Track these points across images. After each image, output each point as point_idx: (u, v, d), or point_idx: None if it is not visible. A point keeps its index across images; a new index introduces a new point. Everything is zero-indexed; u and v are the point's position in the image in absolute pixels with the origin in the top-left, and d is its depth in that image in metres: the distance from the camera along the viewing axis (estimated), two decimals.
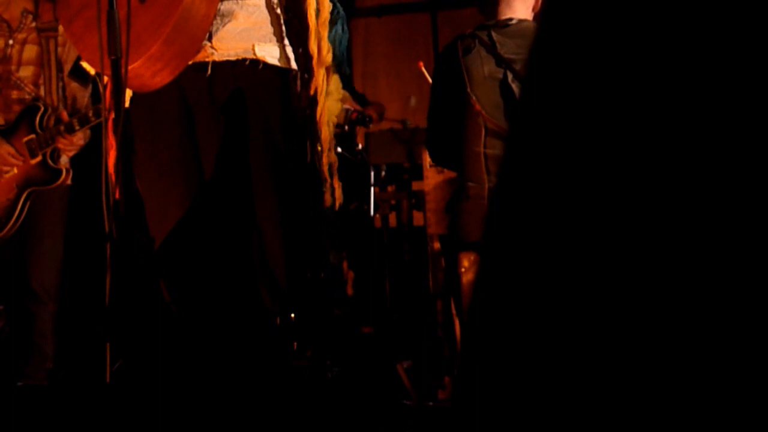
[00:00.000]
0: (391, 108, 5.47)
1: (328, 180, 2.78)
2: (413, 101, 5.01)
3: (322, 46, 2.72)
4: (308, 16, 2.73)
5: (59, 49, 3.71)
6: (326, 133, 2.77)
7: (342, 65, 2.80)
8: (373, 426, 3.42)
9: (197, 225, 2.81)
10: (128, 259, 2.32)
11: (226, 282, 2.82)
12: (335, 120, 2.84)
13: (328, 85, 2.77)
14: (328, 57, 2.73)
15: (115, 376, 2.29)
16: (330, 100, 2.78)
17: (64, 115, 3.58)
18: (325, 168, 2.77)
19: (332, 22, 2.76)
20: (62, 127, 3.55)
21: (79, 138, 3.60)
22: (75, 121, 3.54)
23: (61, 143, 3.58)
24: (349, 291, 2.84)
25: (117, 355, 2.26)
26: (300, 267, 2.89)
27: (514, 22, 3.28)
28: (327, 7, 2.74)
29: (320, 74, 2.75)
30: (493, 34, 3.26)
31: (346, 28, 2.93)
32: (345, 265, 2.83)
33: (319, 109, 2.76)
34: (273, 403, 2.79)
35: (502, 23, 3.29)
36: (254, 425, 2.73)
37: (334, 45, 2.76)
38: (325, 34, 2.71)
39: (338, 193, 2.82)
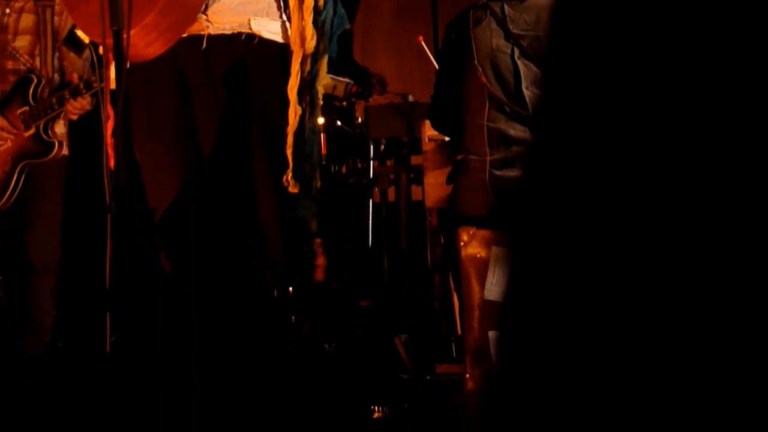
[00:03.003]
0: (391, 83, 5.46)
1: (290, 164, 2.73)
2: (410, 98, 5.04)
3: (306, 32, 2.68)
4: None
5: (56, 19, 3.68)
6: (291, 114, 2.72)
7: (328, 50, 2.75)
8: (370, 399, 3.43)
9: (196, 197, 2.82)
10: (128, 230, 2.32)
11: (226, 255, 2.83)
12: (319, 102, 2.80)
13: (316, 70, 2.74)
14: (310, 44, 2.69)
15: (114, 347, 2.29)
16: (319, 84, 2.75)
17: (75, 78, 3.54)
18: (288, 151, 2.72)
19: (321, 6, 2.71)
20: (67, 92, 3.50)
21: (87, 101, 3.57)
22: (82, 85, 3.50)
23: (71, 105, 3.52)
24: (319, 276, 2.81)
25: (115, 328, 2.26)
26: (296, 241, 2.88)
27: None
28: None
29: (296, 60, 2.70)
30: (506, 7, 3.23)
31: (341, 11, 2.89)
32: (319, 251, 2.80)
33: (289, 87, 2.71)
34: (270, 375, 2.80)
35: None
36: (252, 398, 2.75)
37: (322, 29, 2.72)
38: (309, 19, 2.68)
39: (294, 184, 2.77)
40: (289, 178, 2.70)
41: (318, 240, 2.77)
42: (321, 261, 2.80)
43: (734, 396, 0.61)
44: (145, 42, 2.48)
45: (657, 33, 0.66)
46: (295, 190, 2.72)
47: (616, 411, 0.65)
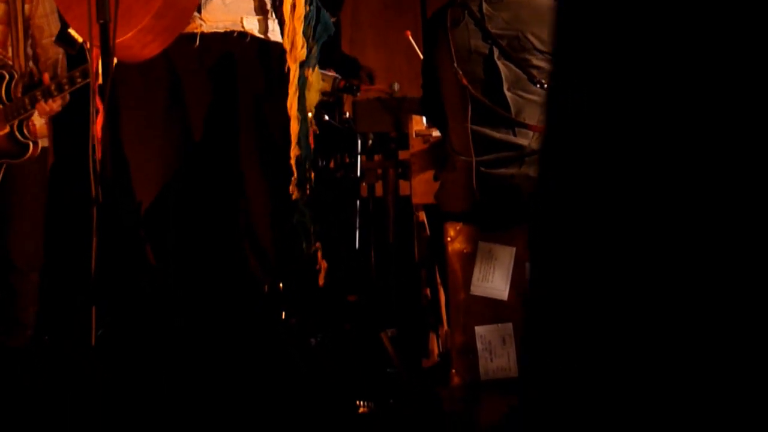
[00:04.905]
0: (380, 77, 5.45)
1: (295, 173, 2.78)
2: (396, 87, 5.01)
3: (296, 41, 2.73)
4: (284, 10, 2.75)
5: (26, 6, 3.56)
6: (294, 126, 2.77)
7: (315, 58, 2.80)
8: (356, 393, 3.44)
9: (182, 190, 2.83)
10: (114, 223, 2.32)
11: (213, 248, 2.84)
12: (312, 111, 2.85)
13: (304, 78, 2.78)
14: (302, 52, 2.74)
15: (99, 340, 2.29)
16: (310, 91, 2.79)
17: (46, 78, 3.43)
18: (292, 161, 2.78)
19: (308, 16, 2.76)
20: (39, 93, 3.41)
21: (58, 104, 3.46)
22: (53, 87, 3.40)
23: (40, 106, 3.42)
24: (321, 282, 2.84)
25: (101, 321, 2.26)
26: (286, 236, 2.89)
27: None
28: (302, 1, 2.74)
29: (293, 68, 2.75)
30: (485, 5, 3.19)
31: (325, 18, 2.91)
32: (319, 255, 2.83)
33: (289, 101, 2.76)
34: (256, 369, 2.81)
35: None
36: (237, 391, 2.75)
37: (308, 37, 2.77)
38: (300, 29, 2.73)
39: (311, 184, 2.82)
40: (292, 186, 2.76)
41: (317, 244, 2.80)
42: (324, 264, 2.83)
43: (734, 395, 0.62)
44: (141, 44, 2.52)
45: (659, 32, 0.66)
46: (297, 197, 2.77)
47: (622, 408, 0.66)
